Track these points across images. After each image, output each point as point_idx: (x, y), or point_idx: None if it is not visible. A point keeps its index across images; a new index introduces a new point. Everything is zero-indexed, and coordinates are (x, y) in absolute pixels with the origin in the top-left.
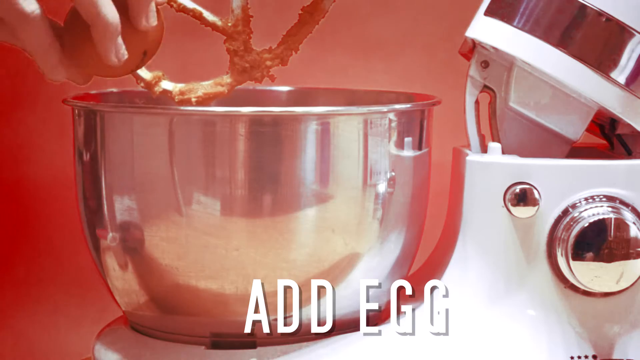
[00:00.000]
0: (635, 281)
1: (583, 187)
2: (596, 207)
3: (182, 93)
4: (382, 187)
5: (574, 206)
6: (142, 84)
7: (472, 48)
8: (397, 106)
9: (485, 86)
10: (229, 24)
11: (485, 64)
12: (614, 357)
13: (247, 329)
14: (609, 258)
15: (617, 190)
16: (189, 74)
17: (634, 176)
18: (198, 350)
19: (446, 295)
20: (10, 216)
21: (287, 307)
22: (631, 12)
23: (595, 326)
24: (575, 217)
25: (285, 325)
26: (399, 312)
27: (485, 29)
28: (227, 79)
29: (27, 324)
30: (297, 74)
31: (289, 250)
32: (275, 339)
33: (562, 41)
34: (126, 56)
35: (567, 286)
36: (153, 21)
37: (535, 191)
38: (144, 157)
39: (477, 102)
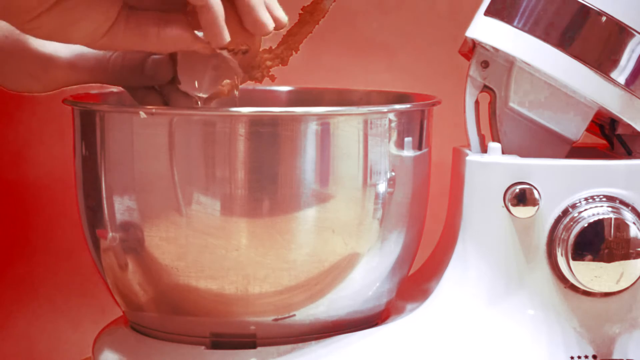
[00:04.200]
0: (635, 281)
1: (583, 187)
2: (596, 207)
3: None
4: (382, 187)
5: (573, 206)
6: None
7: (472, 48)
8: (397, 106)
9: (485, 86)
10: None
11: (485, 64)
12: (614, 357)
13: (248, 329)
14: (609, 258)
15: (617, 190)
16: None
17: (634, 176)
18: (198, 350)
19: (446, 295)
20: (10, 216)
21: (287, 307)
22: (631, 12)
23: (595, 326)
24: (575, 217)
25: (285, 325)
26: (399, 312)
27: (485, 29)
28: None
29: (27, 324)
30: (297, 74)
31: (289, 250)
32: (275, 339)
33: (562, 41)
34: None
35: (567, 286)
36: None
37: (535, 191)
38: (144, 157)
39: (477, 102)
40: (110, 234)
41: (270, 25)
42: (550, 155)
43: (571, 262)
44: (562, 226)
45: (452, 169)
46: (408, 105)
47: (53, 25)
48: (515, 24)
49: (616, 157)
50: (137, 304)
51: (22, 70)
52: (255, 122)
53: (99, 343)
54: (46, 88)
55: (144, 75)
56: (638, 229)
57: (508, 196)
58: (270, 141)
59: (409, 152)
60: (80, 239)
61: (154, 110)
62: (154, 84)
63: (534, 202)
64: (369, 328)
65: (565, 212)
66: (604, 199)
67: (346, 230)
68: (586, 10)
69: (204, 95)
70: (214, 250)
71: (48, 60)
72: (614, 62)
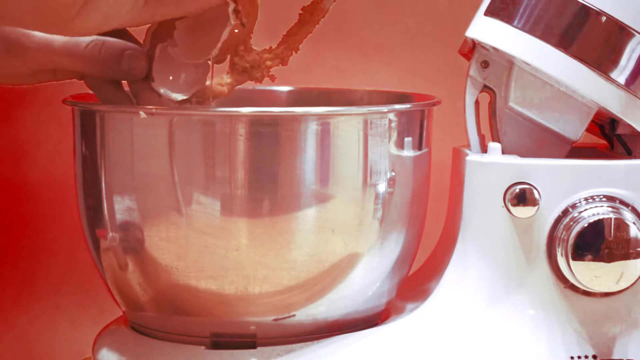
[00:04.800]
0: (635, 281)
1: (583, 187)
2: (596, 207)
3: None
4: (382, 187)
5: (574, 206)
6: None
7: (472, 48)
8: (397, 106)
9: (485, 86)
10: None
11: (485, 64)
12: (614, 357)
13: (248, 329)
14: (609, 258)
15: (617, 190)
16: None
17: (634, 176)
18: (198, 350)
19: (446, 295)
20: (10, 216)
21: (287, 307)
22: (631, 12)
23: (595, 326)
24: (575, 217)
25: (285, 325)
26: (399, 312)
27: (485, 29)
28: (227, 79)
29: (27, 324)
30: (297, 74)
31: (289, 251)
32: (275, 339)
33: (562, 41)
34: None
35: (567, 286)
36: None
37: (535, 191)
38: (144, 157)
39: (477, 102)
40: (110, 234)
41: None
42: (550, 155)
43: (571, 262)
44: (562, 226)
45: (452, 169)
46: (408, 105)
47: (99, 13)
48: (515, 24)
49: (616, 157)
50: (137, 304)
51: None
52: (255, 122)
53: (98, 343)
54: (18, 71)
55: (119, 68)
56: (638, 229)
57: (508, 196)
58: (270, 141)
59: (409, 152)
60: (80, 239)
61: (154, 110)
62: (128, 78)
63: (534, 202)
64: (369, 328)
65: (565, 212)
66: (604, 199)
67: (346, 230)
68: (586, 10)
69: (176, 97)
70: (214, 250)
71: (25, 35)
72: (614, 62)
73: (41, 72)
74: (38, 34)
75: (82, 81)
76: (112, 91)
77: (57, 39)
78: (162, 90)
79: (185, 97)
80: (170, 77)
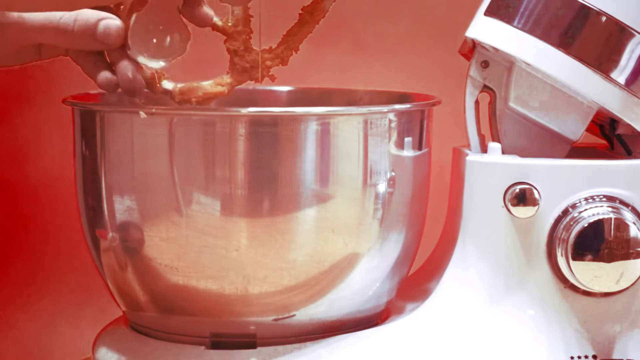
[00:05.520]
0: (635, 281)
1: (583, 187)
2: (596, 207)
3: (182, 93)
4: (382, 187)
5: (574, 206)
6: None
7: (472, 48)
8: (397, 106)
9: (485, 86)
10: (229, 24)
11: (485, 64)
12: (614, 357)
13: (247, 329)
14: (609, 258)
15: (617, 190)
16: (190, 74)
17: (634, 176)
18: (198, 350)
19: (446, 295)
20: (10, 216)
21: (287, 307)
22: (631, 12)
23: (595, 326)
24: (575, 217)
25: (285, 325)
26: (399, 312)
27: (485, 29)
28: (227, 79)
29: (27, 324)
30: (297, 74)
31: (289, 251)
32: (275, 339)
33: (562, 41)
34: None
35: (567, 286)
36: None
37: (535, 191)
38: (144, 157)
39: (477, 102)
40: (110, 234)
41: None
42: (550, 155)
43: (571, 262)
44: (562, 226)
45: (452, 169)
46: (408, 105)
47: None
48: (515, 24)
49: (616, 157)
50: (137, 304)
51: None
52: (255, 122)
53: (99, 343)
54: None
55: (95, 39)
56: (638, 229)
57: (508, 196)
58: (270, 141)
59: (409, 152)
60: (80, 239)
61: (154, 110)
62: (104, 48)
63: (534, 202)
64: (369, 328)
65: (565, 212)
66: (604, 199)
67: (346, 230)
68: (586, 10)
69: (152, 64)
70: (214, 250)
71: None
72: (614, 62)
73: (26, 51)
74: (12, 12)
75: (68, 56)
76: (92, 61)
77: (30, 15)
78: (139, 58)
79: (164, 65)
80: (144, 45)
